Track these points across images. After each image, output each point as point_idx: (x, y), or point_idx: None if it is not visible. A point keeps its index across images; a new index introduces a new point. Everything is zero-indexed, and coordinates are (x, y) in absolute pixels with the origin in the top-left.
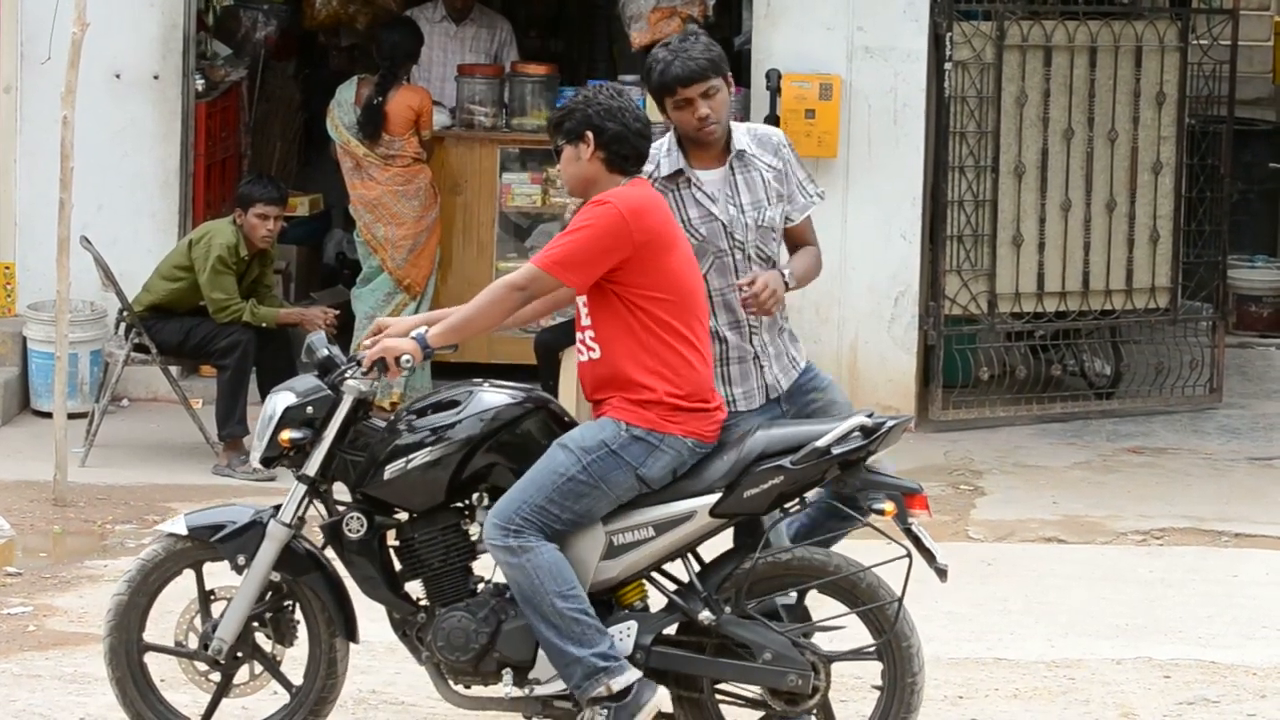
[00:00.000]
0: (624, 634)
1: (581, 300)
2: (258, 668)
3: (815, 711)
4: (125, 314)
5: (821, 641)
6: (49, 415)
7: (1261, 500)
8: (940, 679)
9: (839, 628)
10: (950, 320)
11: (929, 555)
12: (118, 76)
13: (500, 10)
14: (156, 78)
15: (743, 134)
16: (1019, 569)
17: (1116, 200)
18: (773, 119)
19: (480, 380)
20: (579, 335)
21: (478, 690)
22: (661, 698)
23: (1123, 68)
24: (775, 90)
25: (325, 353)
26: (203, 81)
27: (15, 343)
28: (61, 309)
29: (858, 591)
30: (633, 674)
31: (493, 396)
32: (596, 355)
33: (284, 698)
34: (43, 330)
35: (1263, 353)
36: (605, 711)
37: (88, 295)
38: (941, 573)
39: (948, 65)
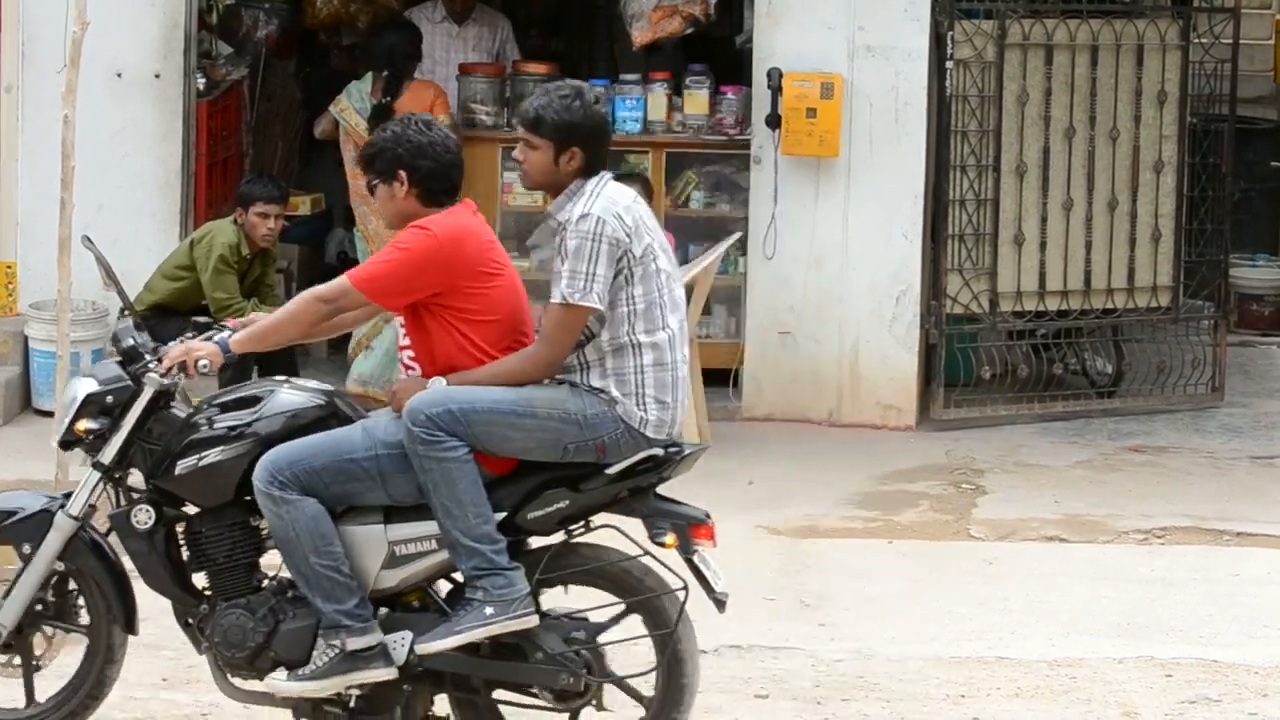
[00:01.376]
0: (399, 643)
1: (400, 320)
2: (49, 629)
3: (593, 705)
4: (127, 313)
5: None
6: (50, 414)
7: (1263, 499)
8: (942, 678)
9: (613, 623)
10: (952, 319)
11: (708, 586)
12: (119, 76)
13: (500, 9)
14: (158, 77)
15: (582, 203)
16: (1020, 568)
17: (1118, 199)
18: (774, 118)
19: (283, 379)
20: (400, 353)
21: (254, 685)
22: (388, 674)
23: (1124, 66)
24: (776, 89)
25: (130, 342)
26: (204, 81)
27: (17, 342)
28: (63, 308)
29: (648, 600)
30: (373, 639)
31: (291, 396)
32: (417, 373)
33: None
34: (44, 329)
35: (1264, 351)
36: (332, 652)
37: (89, 295)
38: (720, 603)
39: (949, 64)
